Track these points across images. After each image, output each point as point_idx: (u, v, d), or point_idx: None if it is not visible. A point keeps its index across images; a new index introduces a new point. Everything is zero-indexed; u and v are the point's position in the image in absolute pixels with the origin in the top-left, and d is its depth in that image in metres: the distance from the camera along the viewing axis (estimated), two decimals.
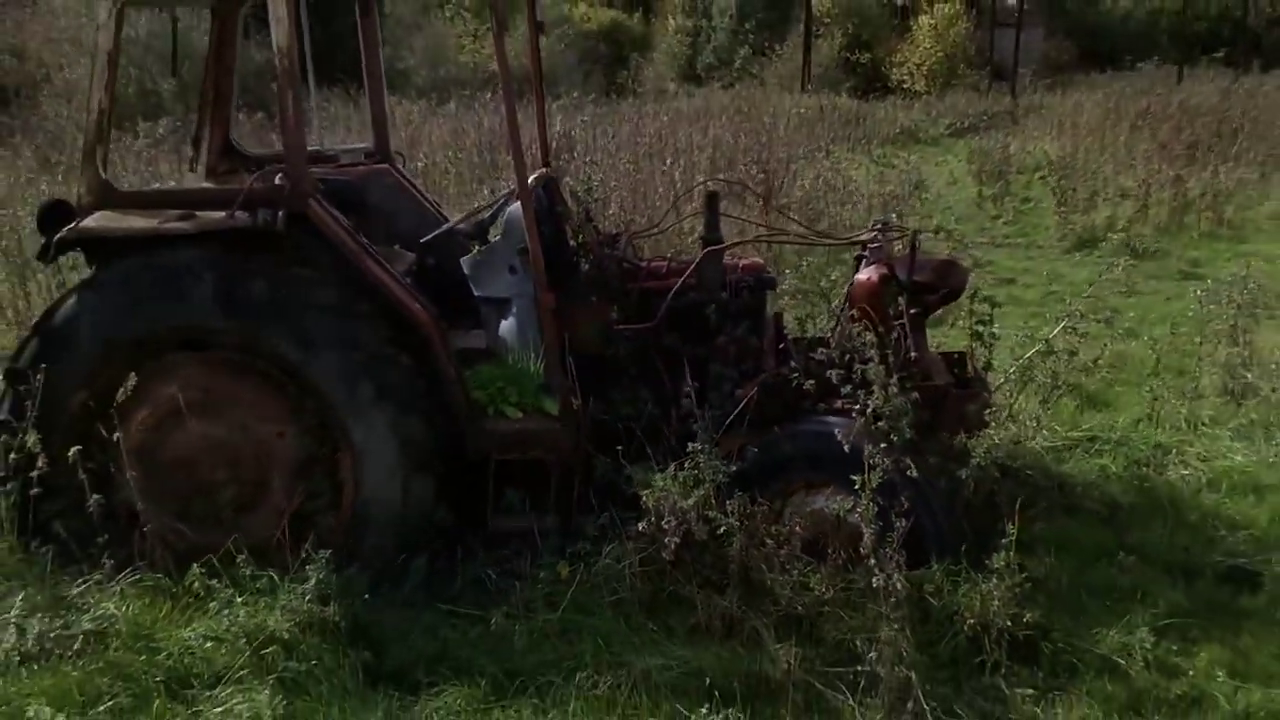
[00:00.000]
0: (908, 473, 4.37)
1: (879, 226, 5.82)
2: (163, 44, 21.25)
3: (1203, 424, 6.54)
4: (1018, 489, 5.39)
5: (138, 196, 5.25)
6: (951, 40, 37.05)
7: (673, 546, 4.44)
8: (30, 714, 3.68)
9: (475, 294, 5.63)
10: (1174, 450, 6.20)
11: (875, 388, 4.64)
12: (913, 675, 4.06)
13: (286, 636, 4.22)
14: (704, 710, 4.01)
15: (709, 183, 5.91)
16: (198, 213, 4.94)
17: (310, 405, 4.97)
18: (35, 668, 4.12)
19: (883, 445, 4.39)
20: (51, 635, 4.16)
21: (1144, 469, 5.90)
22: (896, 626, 4.10)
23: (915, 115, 26.62)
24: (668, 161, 12.25)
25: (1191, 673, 4.33)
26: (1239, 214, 13.42)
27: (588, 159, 11.98)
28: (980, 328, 5.51)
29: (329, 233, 5.01)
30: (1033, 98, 29.56)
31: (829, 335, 5.67)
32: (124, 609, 4.40)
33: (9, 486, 4.87)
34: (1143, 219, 12.72)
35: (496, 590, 4.85)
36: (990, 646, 4.32)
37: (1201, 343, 7.06)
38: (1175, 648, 4.45)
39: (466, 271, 5.61)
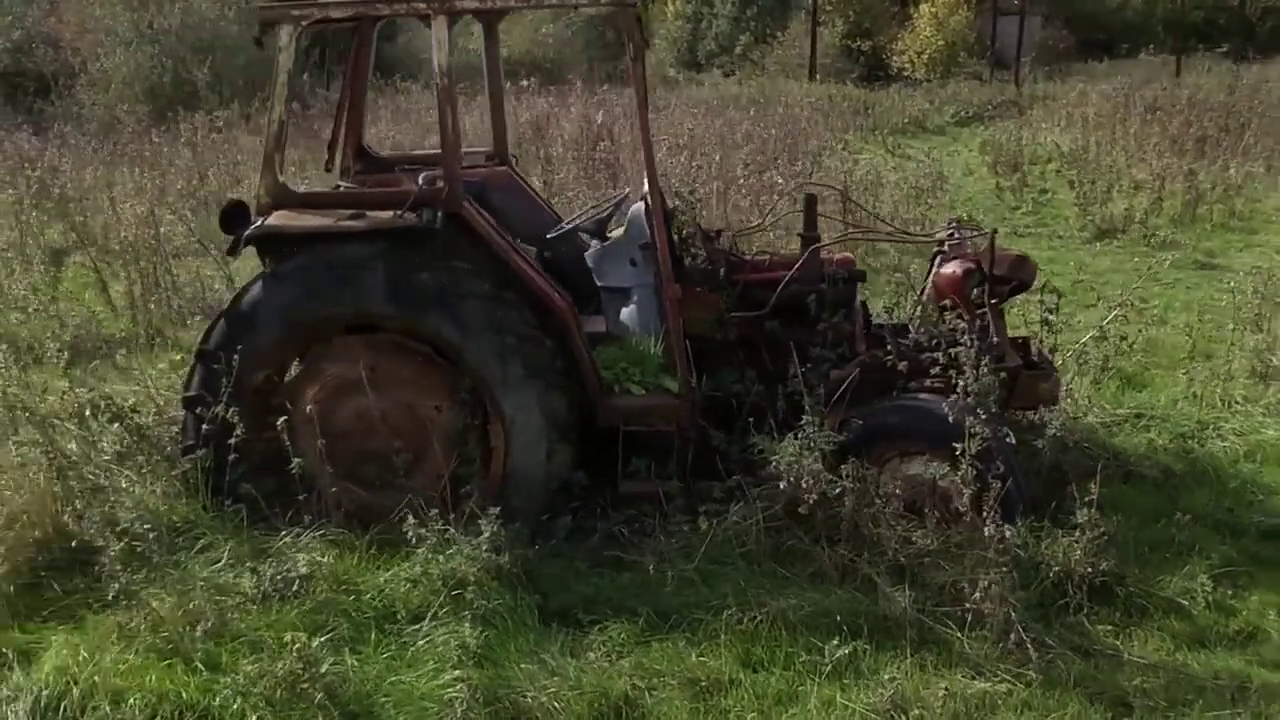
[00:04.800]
0: (1006, 439, 5.08)
1: (954, 225, 6.52)
2: (195, 35, 21.80)
3: (1236, 403, 7.25)
4: (1080, 458, 6.12)
5: (309, 198, 5.91)
6: (952, 28, 37.70)
7: (810, 502, 5.13)
8: (287, 638, 4.35)
9: (598, 284, 6.30)
10: (1211, 426, 6.91)
11: (967, 368, 5.34)
12: (1012, 612, 4.78)
13: (473, 580, 4.90)
14: (835, 642, 4.72)
15: (805, 186, 6.62)
16: (367, 212, 5.61)
17: (465, 382, 5.64)
18: (268, 605, 4.80)
19: (980, 417, 5.09)
20: (278, 579, 4.82)
21: (1187, 442, 6.61)
22: (1004, 570, 4.80)
23: (921, 104, 27.22)
24: (717, 157, 13.01)
25: (1245, 612, 5.06)
26: (1248, 206, 14.12)
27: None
28: (1050, 315, 6.20)
29: (480, 231, 5.69)
30: (1035, 87, 30.25)
31: (911, 323, 6.38)
32: (324, 558, 5.06)
33: (202, 453, 5.55)
34: (1158, 210, 13.40)
35: (630, 545, 5.55)
36: (1073, 590, 5.02)
37: (1234, 329, 7.76)
38: (1229, 592, 5.18)
39: (590, 264, 6.29)
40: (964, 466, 5.07)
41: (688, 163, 11.79)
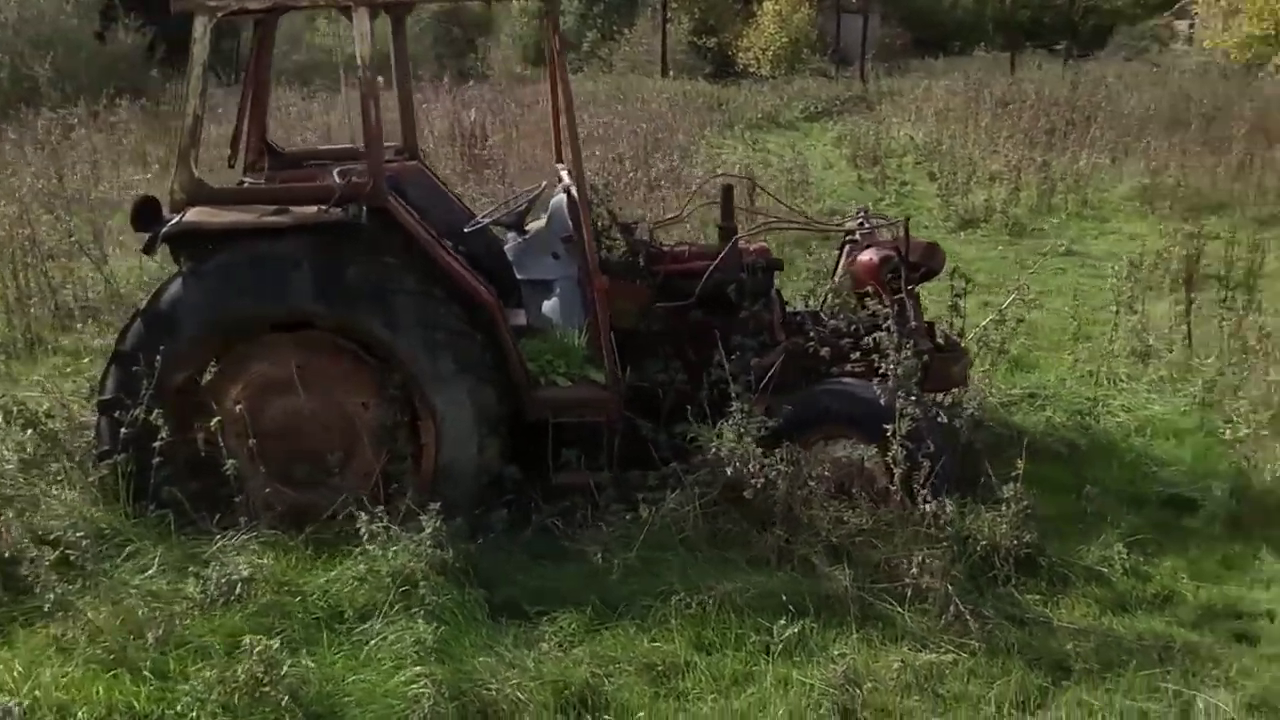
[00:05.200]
0: (935, 420, 5.26)
1: (862, 214, 6.72)
2: (34, 29, 20.95)
3: (1120, 381, 7.62)
4: (989, 437, 6.36)
5: (228, 193, 5.77)
6: (795, 25, 38.57)
7: (757, 486, 5.23)
8: (245, 641, 4.25)
9: (518, 277, 6.31)
10: (1100, 403, 7.25)
11: (891, 352, 5.52)
12: (949, 586, 4.96)
13: (420, 576, 4.86)
14: (782, 622, 4.82)
15: (722, 177, 6.72)
16: (290, 208, 5.52)
17: (394, 379, 5.59)
18: (210, 611, 4.69)
19: (910, 400, 5.27)
20: (222, 582, 4.71)
21: (1084, 419, 6.91)
22: (940, 546, 4.98)
23: (771, 99, 27.74)
24: (595, 151, 13.11)
25: (1159, 577, 5.35)
26: (1097, 195, 14.81)
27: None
28: (959, 300, 6.43)
29: (406, 225, 5.64)
30: (879, 83, 31.07)
31: (821, 310, 6.55)
32: (264, 560, 4.96)
33: (121, 458, 5.38)
34: (1015, 201, 13.94)
35: (566, 536, 5.57)
36: (1000, 563, 5.23)
37: (1117, 310, 8.14)
38: (1142, 559, 5.46)
39: (510, 257, 6.29)
40: (895, 447, 5.24)
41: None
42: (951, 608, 4.91)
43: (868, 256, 6.23)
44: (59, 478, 5.45)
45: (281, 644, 4.50)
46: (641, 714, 4.34)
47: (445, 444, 5.61)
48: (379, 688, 4.35)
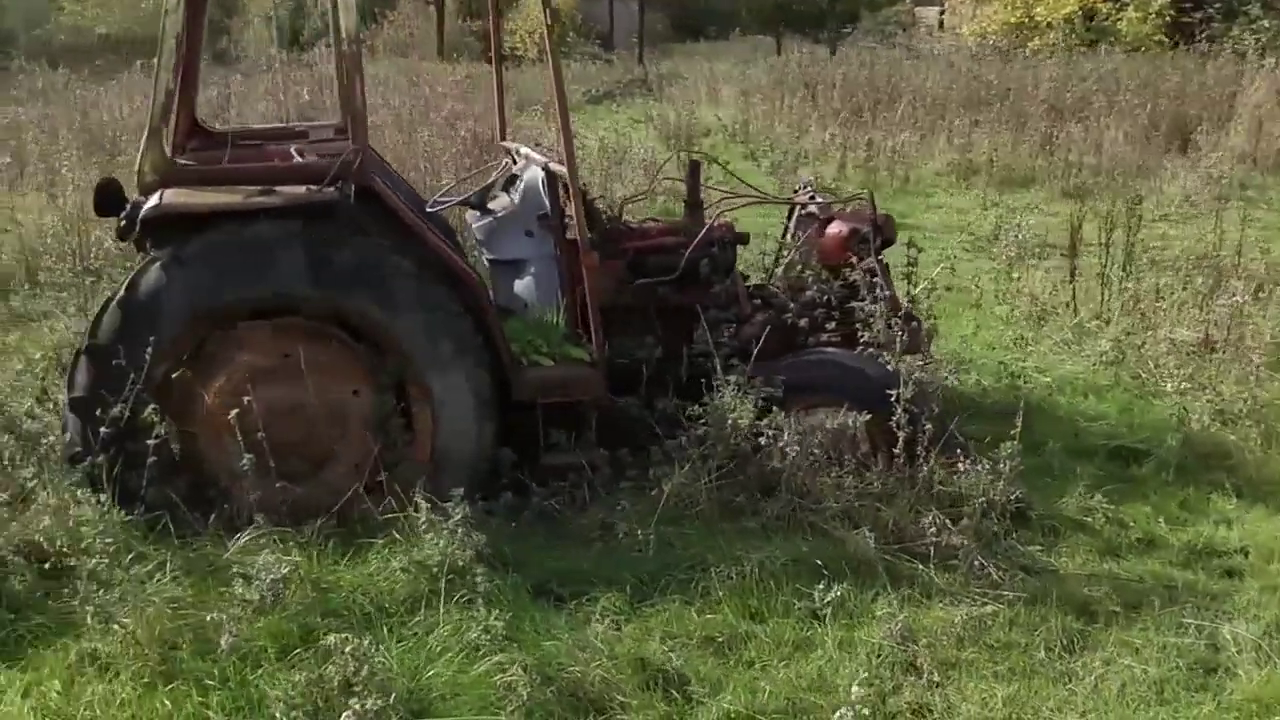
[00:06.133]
0: (932, 390, 5.47)
1: (808, 187, 6.88)
2: None
3: (1025, 344, 8.05)
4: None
5: (201, 174, 5.42)
6: (561, 9, 38.62)
7: (769, 455, 5.30)
8: (329, 640, 4.04)
9: (487, 257, 6.17)
10: (1013, 365, 7.63)
11: (876, 321, 5.70)
12: (967, 541, 5.18)
13: (462, 564, 4.72)
14: (821, 586, 4.93)
15: (688, 154, 6.71)
16: (277, 189, 5.23)
17: (388, 364, 5.39)
18: (261, 614, 4.43)
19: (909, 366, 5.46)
20: (270, 584, 4.45)
21: (1012, 380, 7.28)
22: (973, 503, 5.21)
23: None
24: (426, 134, 12.90)
25: (1137, 522, 5.70)
26: (913, 172, 15.50)
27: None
28: (911, 269, 6.64)
29: (392, 204, 5.44)
30: (655, 66, 31.55)
31: (772, 282, 6.69)
32: (290, 558, 4.71)
33: (99, 460, 5.00)
34: (843, 177, 14.45)
35: (562, 518, 5.52)
36: (997, 518, 5.46)
37: (1017, 277, 8.59)
38: (1114, 508, 5.80)
39: (479, 237, 6.14)
40: (899, 413, 5.41)
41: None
42: (969, 564, 5.13)
43: (837, 229, 6.39)
44: (36, 483, 5.00)
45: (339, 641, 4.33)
46: (731, 686, 4.35)
47: (443, 430, 5.46)
48: (461, 678, 4.22)
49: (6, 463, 5.12)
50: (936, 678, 4.44)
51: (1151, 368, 7.32)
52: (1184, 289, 8.15)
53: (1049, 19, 28.97)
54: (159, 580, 4.64)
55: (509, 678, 4.16)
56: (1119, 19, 28.78)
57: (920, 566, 5.15)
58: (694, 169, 6.46)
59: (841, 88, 18.87)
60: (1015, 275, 9.02)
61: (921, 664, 4.53)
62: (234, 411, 4.96)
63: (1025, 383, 7.29)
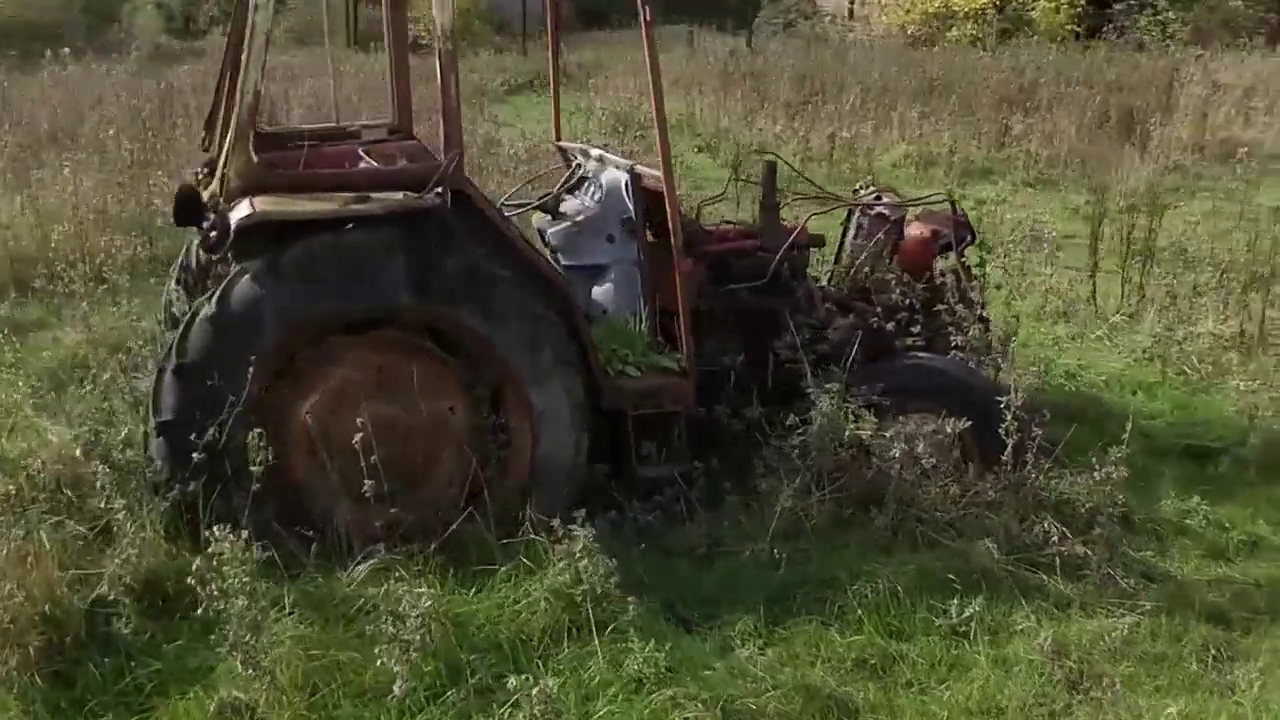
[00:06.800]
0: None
1: (871, 188, 6.75)
2: None
3: (1060, 342, 8.03)
4: None
5: (291, 179, 5.08)
6: None
7: (899, 465, 5.17)
8: (510, 683, 3.80)
9: (564, 262, 5.92)
10: (1058, 361, 7.59)
11: (967, 327, 5.60)
12: (1090, 551, 5.09)
13: (600, 590, 4.49)
14: (955, 602, 4.80)
15: (766, 155, 6.54)
16: (373, 195, 4.92)
17: (486, 376, 5.13)
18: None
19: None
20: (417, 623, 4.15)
21: (1068, 379, 7.24)
22: (1101, 510, 5.12)
23: (472, 76, 27.25)
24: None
25: (1236, 525, 5.66)
26: (871, 163, 15.49)
27: None
28: (980, 269, 6.55)
29: (486, 209, 5.17)
30: (569, 56, 31.14)
31: (831, 284, 6.54)
32: (424, 590, 4.43)
33: (191, 489, 4.67)
34: (806, 169, 14.35)
35: (660, 533, 5.31)
36: (1105, 524, 5.38)
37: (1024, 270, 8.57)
38: (1213, 509, 5.76)
39: (554, 242, 5.89)
40: (1009, 419, 5.30)
41: None
42: (1091, 570, 5.05)
43: (918, 232, 6.26)
44: (137, 516, 4.63)
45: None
46: (903, 711, 4.20)
47: (543, 442, 5.20)
48: (632, 714, 4.00)
49: (96, 492, 4.71)
50: (1101, 694, 4.33)
51: (1195, 363, 7.32)
52: (1219, 283, 8.18)
53: (966, 9, 29.38)
54: (280, 617, 4.33)
55: (688, 714, 3.95)
56: (1033, 8, 29.32)
57: (1046, 578, 5.04)
58: (770, 170, 6.27)
59: (790, 78, 18.80)
60: (1024, 270, 8.99)
61: (1079, 680, 4.42)
62: (356, 436, 4.62)
63: (1075, 380, 7.25)
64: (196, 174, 6.02)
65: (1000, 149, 15.70)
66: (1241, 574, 5.27)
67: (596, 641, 4.29)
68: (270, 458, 4.56)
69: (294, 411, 4.97)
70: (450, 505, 5.09)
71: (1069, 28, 28.47)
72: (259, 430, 4.56)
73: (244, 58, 4.86)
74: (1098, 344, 7.99)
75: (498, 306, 5.02)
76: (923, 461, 5.40)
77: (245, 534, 4.11)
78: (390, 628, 4.04)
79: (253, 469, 4.52)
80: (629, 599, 4.52)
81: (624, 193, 5.77)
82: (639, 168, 5.80)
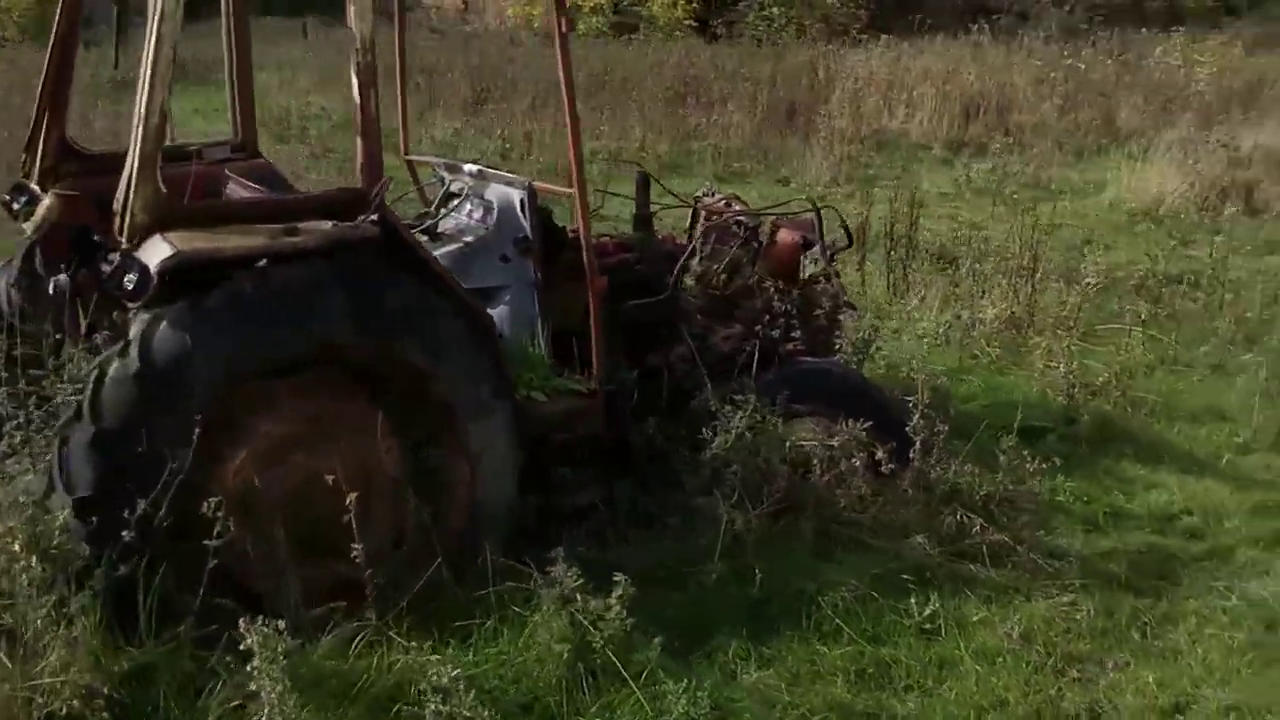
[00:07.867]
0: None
1: (712, 193, 6.79)
2: None
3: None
4: None
5: (203, 211, 4.47)
6: None
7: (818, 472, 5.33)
8: None
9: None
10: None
11: (848, 330, 5.79)
12: (1006, 538, 5.37)
13: (601, 640, 4.28)
14: (912, 601, 4.93)
15: (637, 166, 6.30)
16: (300, 225, 4.45)
17: (423, 416, 4.76)
18: None
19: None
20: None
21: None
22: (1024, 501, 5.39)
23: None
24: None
25: (1092, 498, 6.13)
26: (560, 161, 15.52)
27: None
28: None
29: (408, 238, 4.80)
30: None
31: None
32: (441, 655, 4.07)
33: (121, 571, 4.06)
34: (507, 168, 14.24)
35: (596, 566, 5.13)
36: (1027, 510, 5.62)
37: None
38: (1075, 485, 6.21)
39: (446, 265, 5.52)
40: (915, 419, 5.50)
41: None
42: (1021, 559, 5.33)
43: (788, 237, 6.31)
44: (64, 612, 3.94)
45: None
46: (930, 716, 4.28)
47: (482, 480, 4.89)
48: None
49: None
50: (1082, 674, 4.58)
51: (984, 346, 7.86)
52: (996, 269, 8.83)
53: (589, 4, 30.00)
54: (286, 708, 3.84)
55: None
56: (651, 3, 30.34)
57: (975, 567, 5.26)
58: (643, 181, 6.18)
59: (462, 75, 18.52)
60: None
61: (1055, 662, 4.64)
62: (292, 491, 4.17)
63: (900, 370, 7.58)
64: (8, 201, 5.27)
65: (682, 142, 16.13)
66: (1122, 544, 5.70)
67: (634, 685, 4.09)
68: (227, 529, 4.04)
69: (220, 470, 4.41)
70: (400, 559, 4.70)
71: (687, 23, 29.68)
72: (218, 499, 4.02)
73: (144, 74, 4.23)
74: (895, 337, 8.37)
75: (441, 339, 4.67)
76: (841, 465, 5.50)
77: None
78: (441, 705, 3.67)
79: (210, 544, 3.99)
80: (655, 637, 4.37)
81: (519, 211, 5.51)
82: (539, 184, 5.56)
